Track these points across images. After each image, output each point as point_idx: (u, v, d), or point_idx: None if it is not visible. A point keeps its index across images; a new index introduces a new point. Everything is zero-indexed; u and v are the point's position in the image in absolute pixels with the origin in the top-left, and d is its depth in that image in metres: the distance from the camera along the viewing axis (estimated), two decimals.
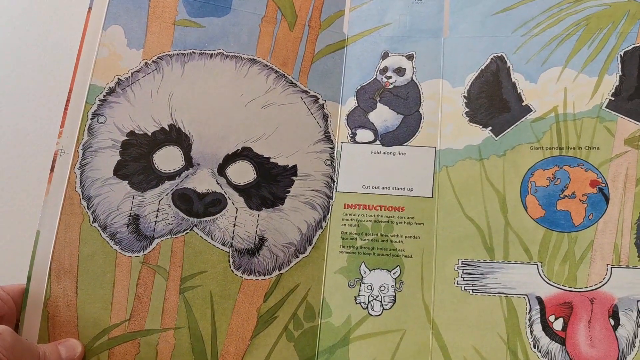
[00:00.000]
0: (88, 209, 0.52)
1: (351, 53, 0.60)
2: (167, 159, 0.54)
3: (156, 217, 0.52)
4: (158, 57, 0.56)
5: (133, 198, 0.52)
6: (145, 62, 0.56)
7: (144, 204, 0.52)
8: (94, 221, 0.52)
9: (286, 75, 0.58)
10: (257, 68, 0.57)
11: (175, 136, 0.54)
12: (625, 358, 0.47)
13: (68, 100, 0.54)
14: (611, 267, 0.49)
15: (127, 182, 0.53)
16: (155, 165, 0.53)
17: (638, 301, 0.48)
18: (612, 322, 0.48)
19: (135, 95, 0.55)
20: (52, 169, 0.53)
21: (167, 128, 0.54)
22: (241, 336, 0.50)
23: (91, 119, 0.54)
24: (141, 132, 0.54)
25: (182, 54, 0.57)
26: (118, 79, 0.55)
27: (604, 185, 0.52)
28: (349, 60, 0.59)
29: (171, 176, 0.53)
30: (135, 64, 0.56)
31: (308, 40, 0.59)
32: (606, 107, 0.54)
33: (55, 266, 0.50)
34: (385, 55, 0.59)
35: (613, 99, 0.54)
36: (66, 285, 0.50)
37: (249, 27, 0.58)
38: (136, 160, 0.53)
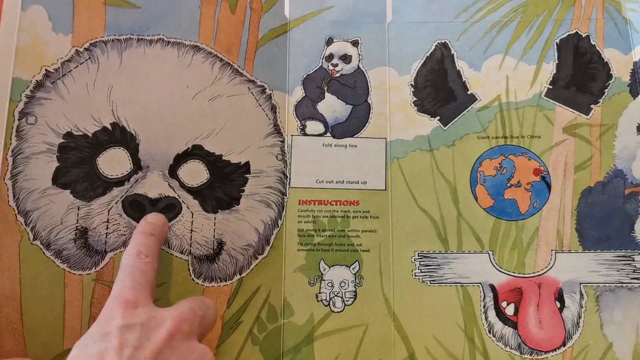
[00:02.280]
0: (26, 225, 0.47)
1: (294, 38, 0.57)
2: (113, 162, 0.49)
3: (107, 228, 0.48)
4: (91, 44, 0.51)
5: (78, 209, 0.48)
6: (77, 50, 0.50)
7: (91, 215, 0.48)
8: (35, 238, 0.47)
9: (231, 63, 0.54)
10: (201, 56, 0.53)
11: (119, 136, 0.49)
12: (571, 338, 0.51)
13: None
14: (555, 253, 0.53)
15: (69, 191, 0.48)
16: (100, 170, 0.49)
17: (580, 284, 0.52)
18: (558, 305, 0.52)
19: (68, 89, 0.49)
20: None
21: (110, 127, 0.49)
22: (206, 345, 0.49)
23: (19, 119, 0.48)
24: (80, 133, 0.49)
25: (118, 40, 0.51)
26: (46, 70, 0.49)
27: (546, 173, 0.55)
28: (293, 47, 0.57)
29: (119, 181, 0.49)
30: (65, 52, 0.50)
31: (251, 24, 0.55)
32: (545, 95, 0.56)
33: None
34: (329, 41, 0.57)
35: (551, 87, 0.56)
36: (9, 313, 0.45)
37: (189, 9, 0.54)
38: (77, 166, 0.48)
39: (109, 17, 0.51)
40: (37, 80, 0.49)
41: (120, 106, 0.50)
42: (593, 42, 0.57)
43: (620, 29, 0.58)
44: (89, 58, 0.50)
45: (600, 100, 0.56)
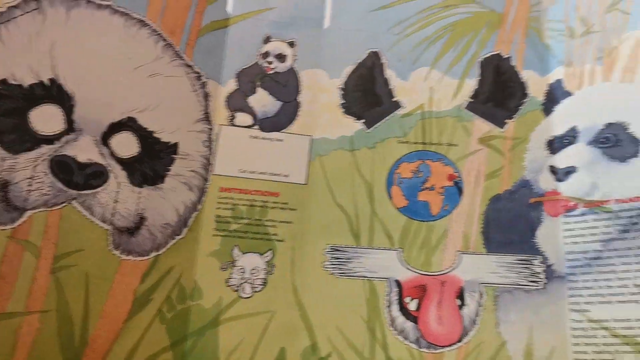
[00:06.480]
0: None
1: (233, 33, 0.60)
2: (46, 118, 0.49)
3: (29, 185, 0.48)
4: None
5: (2, 160, 0.48)
6: None
7: (15, 169, 0.48)
8: None
9: (173, 45, 0.56)
10: (147, 32, 0.55)
11: (56, 93, 0.50)
12: (468, 334, 0.53)
13: None
14: (460, 253, 0.56)
15: None
16: (31, 125, 0.49)
17: (480, 283, 0.55)
18: (459, 302, 0.54)
19: (11, 35, 0.50)
20: None
21: (48, 82, 0.50)
22: (114, 319, 0.50)
23: None
24: (15, 83, 0.49)
25: None
26: None
27: (459, 179, 0.58)
28: (231, 41, 0.59)
29: (49, 139, 0.50)
30: None
31: (196, 12, 0.58)
32: (465, 107, 0.59)
33: None
34: (267, 40, 0.60)
35: (472, 100, 0.60)
36: None
37: None
38: (8, 116, 0.49)
39: None
40: None
41: (60, 64, 0.50)
42: (513, 64, 0.61)
43: (539, 53, 0.61)
44: (37, 8, 0.51)
45: (515, 115, 0.59)
